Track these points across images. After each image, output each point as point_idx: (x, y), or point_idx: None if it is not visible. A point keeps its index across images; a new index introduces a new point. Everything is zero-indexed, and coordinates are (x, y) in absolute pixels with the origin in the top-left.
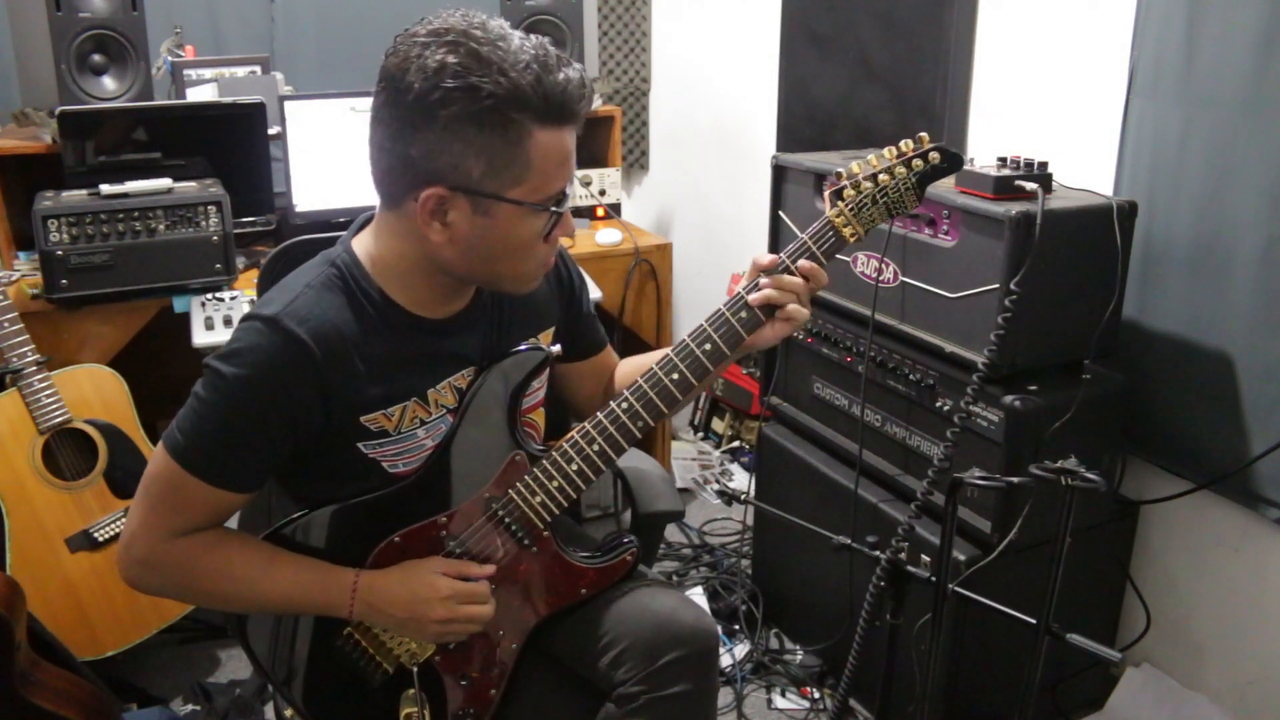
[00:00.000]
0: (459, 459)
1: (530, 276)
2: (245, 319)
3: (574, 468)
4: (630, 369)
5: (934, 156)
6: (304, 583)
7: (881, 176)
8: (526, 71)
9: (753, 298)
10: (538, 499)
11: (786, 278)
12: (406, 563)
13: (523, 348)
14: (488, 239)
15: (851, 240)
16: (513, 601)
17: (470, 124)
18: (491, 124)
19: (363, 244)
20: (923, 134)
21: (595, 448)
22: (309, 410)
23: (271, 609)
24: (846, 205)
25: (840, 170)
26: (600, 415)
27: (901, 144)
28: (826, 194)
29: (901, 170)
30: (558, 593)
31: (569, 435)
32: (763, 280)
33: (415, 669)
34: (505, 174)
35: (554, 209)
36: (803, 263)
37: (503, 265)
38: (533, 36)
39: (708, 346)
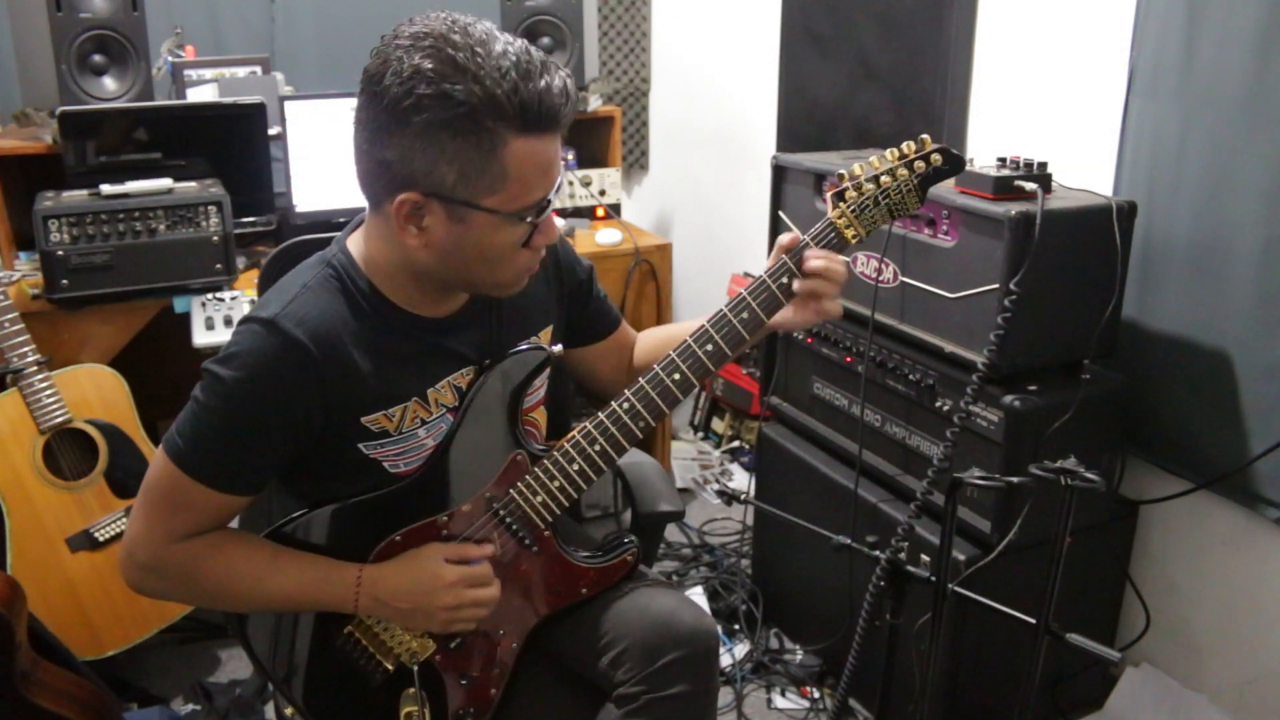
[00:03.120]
0: (460, 458)
1: (510, 284)
2: (243, 321)
3: (575, 467)
4: (654, 341)
5: (936, 158)
6: (308, 580)
7: (883, 178)
8: (504, 79)
9: (812, 265)
10: (539, 498)
11: (839, 258)
12: (406, 554)
13: (523, 347)
14: (463, 246)
15: (853, 241)
16: (513, 601)
17: (443, 131)
18: (465, 132)
19: (356, 244)
20: (924, 136)
21: (597, 448)
22: (309, 412)
23: (276, 608)
24: (848, 206)
25: (842, 171)
26: (601, 415)
27: (903, 146)
28: (828, 195)
29: (903, 172)
30: (558, 592)
31: (570, 435)
32: (812, 254)
33: (415, 668)
34: (479, 182)
35: (531, 220)
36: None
37: (480, 272)
38: (518, 40)
39: (709, 347)
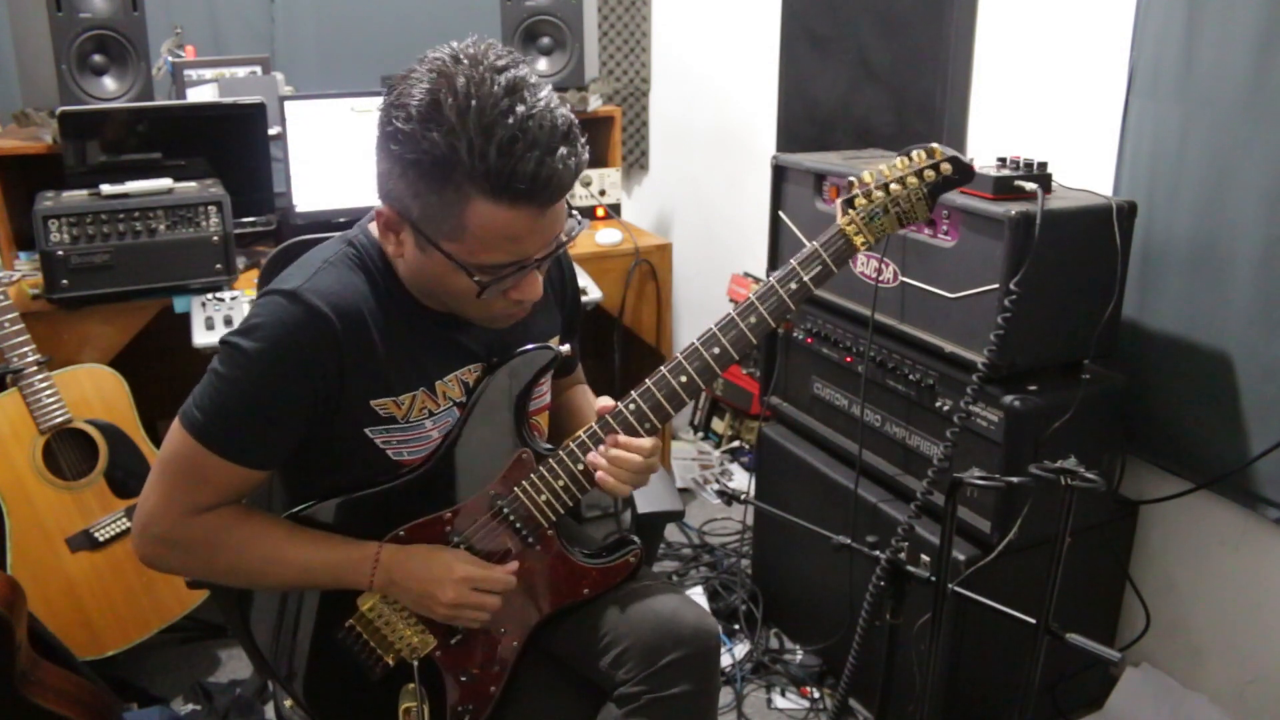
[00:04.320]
0: (465, 455)
1: (478, 321)
2: (264, 294)
3: (580, 467)
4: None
5: (946, 168)
6: (325, 553)
7: (893, 186)
8: (482, 137)
9: (592, 463)
10: (543, 497)
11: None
12: (433, 545)
13: (531, 346)
14: (427, 273)
15: (862, 248)
16: (515, 599)
17: (412, 169)
18: (432, 177)
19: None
20: (935, 144)
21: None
22: (327, 384)
23: (291, 583)
24: (858, 214)
25: (852, 178)
26: (608, 416)
27: (913, 154)
28: (838, 202)
29: (913, 180)
30: (560, 592)
31: (576, 435)
32: (608, 445)
33: (415, 664)
34: (440, 226)
35: (481, 280)
36: (621, 440)
37: (449, 301)
38: (545, 107)
39: (716, 350)
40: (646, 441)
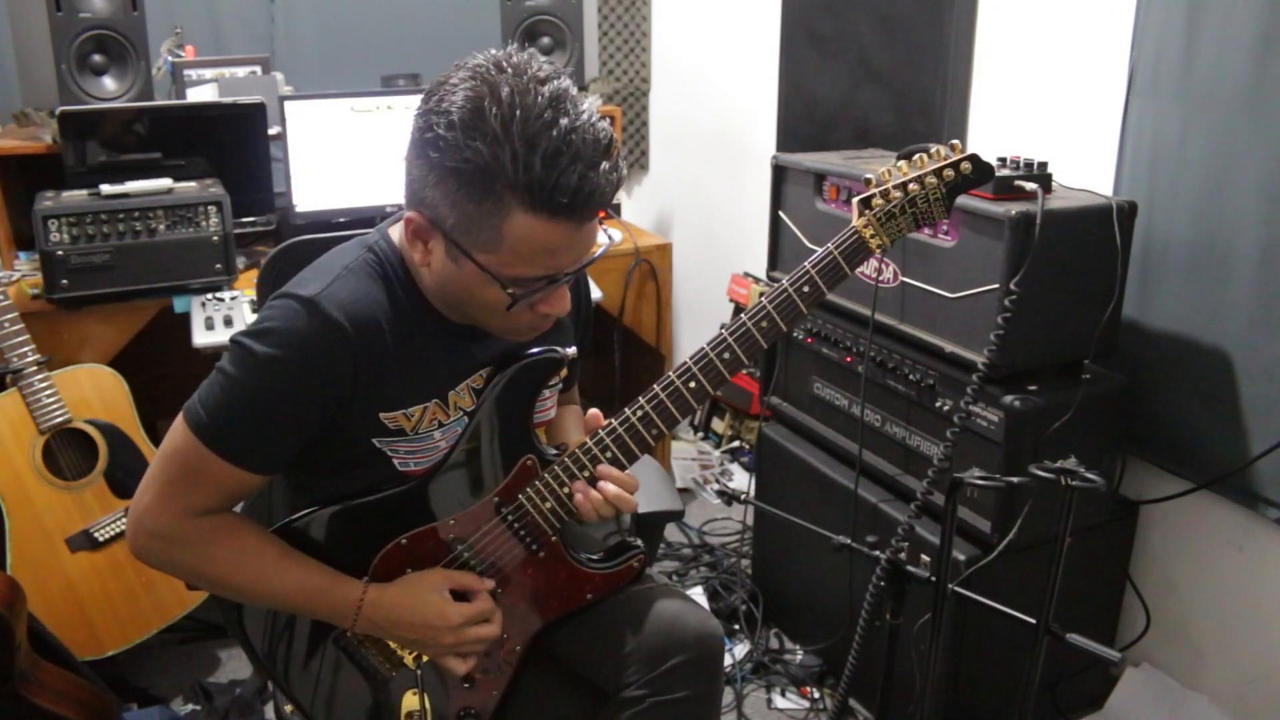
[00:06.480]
0: (470, 461)
1: (506, 333)
2: (279, 297)
3: (586, 474)
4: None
5: (966, 166)
6: (311, 588)
7: (911, 185)
8: (526, 147)
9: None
10: (548, 505)
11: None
12: (410, 579)
13: (536, 351)
14: (456, 283)
15: (877, 250)
16: (518, 605)
17: (451, 176)
18: (472, 186)
19: (399, 236)
20: (955, 141)
21: (609, 455)
22: (338, 396)
23: (273, 606)
24: (874, 214)
25: (869, 176)
26: (614, 421)
27: (933, 150)
28: (855, 201)
29: (932, 180)
30: (563, 597)
31: (581, 441)
32: (604, 481)
33: (419, 670)
34: (475, 236)
35: (514, 292)
36: (602, 468)
37: (474, 313)
38: (587, 120)
39: (726, 355)
40: (633, 480)
